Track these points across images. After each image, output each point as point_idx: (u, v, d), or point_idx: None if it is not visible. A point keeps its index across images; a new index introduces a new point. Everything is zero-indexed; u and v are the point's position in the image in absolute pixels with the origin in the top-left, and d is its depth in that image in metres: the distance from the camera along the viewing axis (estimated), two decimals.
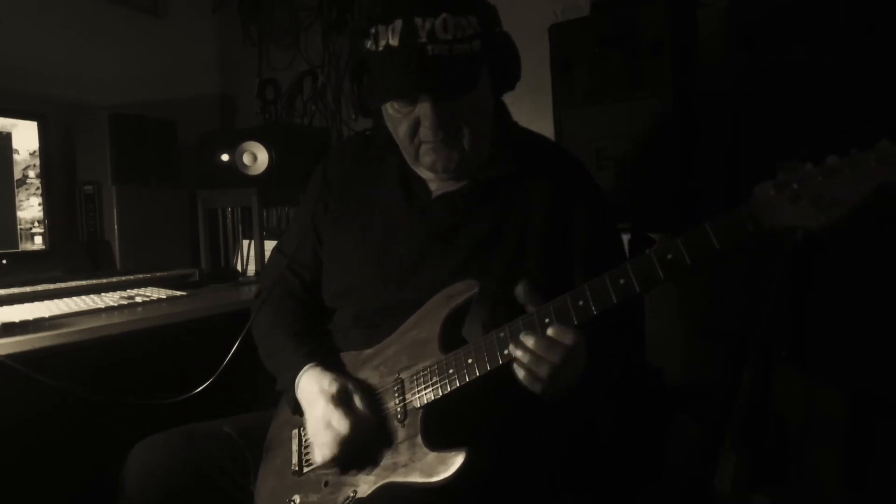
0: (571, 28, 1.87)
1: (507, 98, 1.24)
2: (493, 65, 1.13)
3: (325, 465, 1.13)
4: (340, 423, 1.09)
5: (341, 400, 1.11)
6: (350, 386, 1.14)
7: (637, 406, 1.70)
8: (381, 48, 1.07)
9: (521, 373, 1.00)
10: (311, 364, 1.18)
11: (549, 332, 0.98)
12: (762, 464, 1.63)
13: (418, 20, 1.04)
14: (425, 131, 1.11)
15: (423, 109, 1.09)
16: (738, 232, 0.88)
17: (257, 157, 2.37)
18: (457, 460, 1.00)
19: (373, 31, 1.09)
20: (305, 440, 1.19)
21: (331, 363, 1.20)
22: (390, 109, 1.14)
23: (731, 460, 1.61)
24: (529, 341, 0.98)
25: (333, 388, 1.12)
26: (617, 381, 1.19)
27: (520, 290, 1.00)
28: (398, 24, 1.05)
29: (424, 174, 1.23)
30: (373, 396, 1.14)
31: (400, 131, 1.15)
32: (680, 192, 1.73)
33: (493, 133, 1.21)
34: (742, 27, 1.69)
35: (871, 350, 1.49)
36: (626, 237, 1.67)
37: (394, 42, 1.05)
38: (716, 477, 1.62)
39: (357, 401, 1.12)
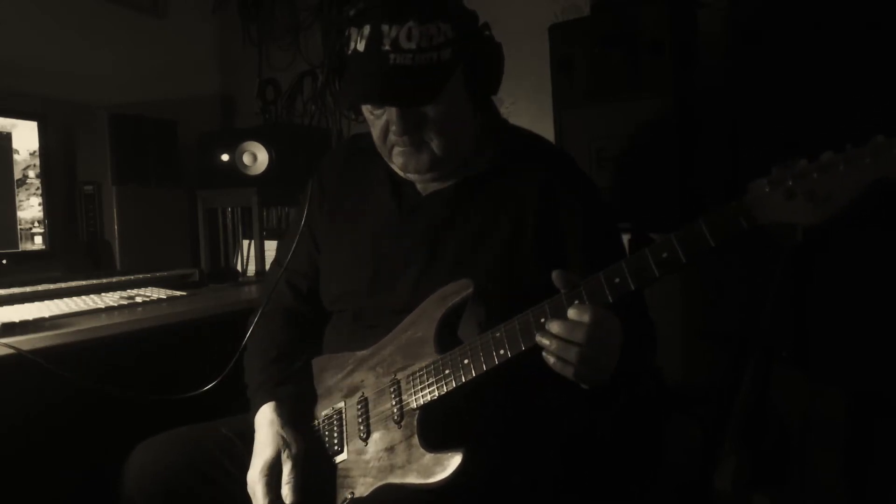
0: (571, 28, 1.87)
1: (508, 98, 1.24)
2: (470, 70, 1.12)
3: None
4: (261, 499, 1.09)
5: (270, 471, 1.10)
6: (284, 454, 1.12)
7: (637, 407, 1.70)
8: (351, 51, 1.10)
9: (550, 360, 0.97)
10: (266, 403, 1.19)
11: (570, 313, 0.96)
12: (762, 464, 1.63)
13: (385, 27, 1.04)
14: (392, 136, 1.13)
15: (390, 114, 1.11)
16: (733, 229, 0.88)
17: (257, 157, 2.37)
18: (454, 461, 0.99)
19: (347, 33, 1.11)
20: None
21: (295, 396, 1.21)
22: (365, 111, 1.16)
23: (732, 461, 1.61)
24: (554, 327, 0.96)
25: (266, 454, 1.12)
26: (649, 365, 1.19)
27: (555, 276, 0.98)
28: (367, 29, 1.06)
29: (410, 175, 1.23)
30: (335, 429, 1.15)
31: (374, 132, 1.17)
32: (680, 192, 1.73)
33: (477, 131, 1.21)
34: (742, 27, 1.69)
35: (872, 350, 1.49)
36: (626, 237, 1.67)
37: (360, 47, 1.07)
38: (716, 477, 1.62)
39: (286, 472, 1.10)
